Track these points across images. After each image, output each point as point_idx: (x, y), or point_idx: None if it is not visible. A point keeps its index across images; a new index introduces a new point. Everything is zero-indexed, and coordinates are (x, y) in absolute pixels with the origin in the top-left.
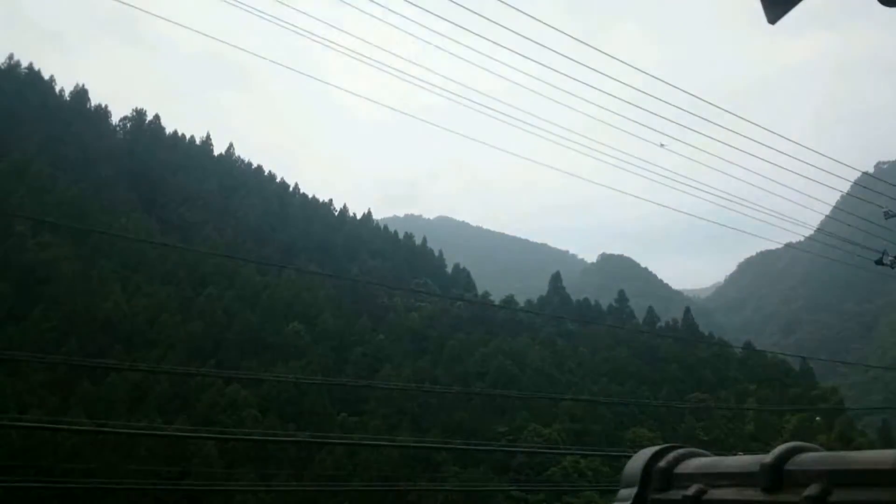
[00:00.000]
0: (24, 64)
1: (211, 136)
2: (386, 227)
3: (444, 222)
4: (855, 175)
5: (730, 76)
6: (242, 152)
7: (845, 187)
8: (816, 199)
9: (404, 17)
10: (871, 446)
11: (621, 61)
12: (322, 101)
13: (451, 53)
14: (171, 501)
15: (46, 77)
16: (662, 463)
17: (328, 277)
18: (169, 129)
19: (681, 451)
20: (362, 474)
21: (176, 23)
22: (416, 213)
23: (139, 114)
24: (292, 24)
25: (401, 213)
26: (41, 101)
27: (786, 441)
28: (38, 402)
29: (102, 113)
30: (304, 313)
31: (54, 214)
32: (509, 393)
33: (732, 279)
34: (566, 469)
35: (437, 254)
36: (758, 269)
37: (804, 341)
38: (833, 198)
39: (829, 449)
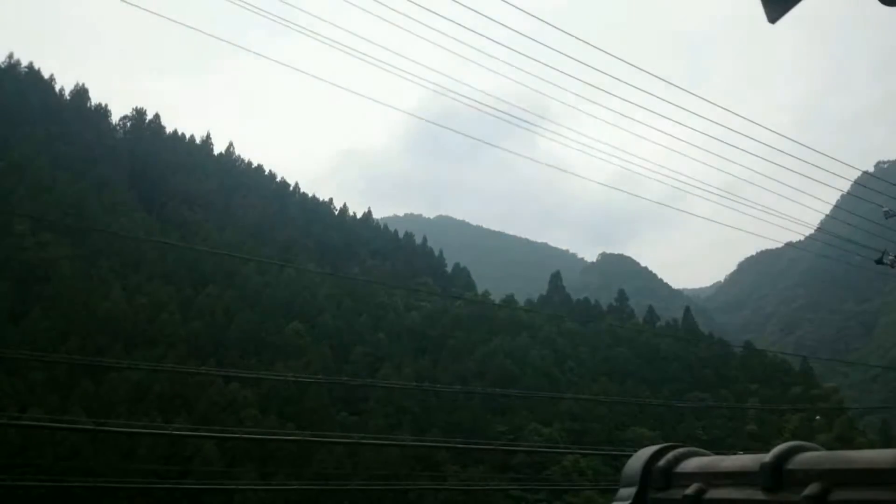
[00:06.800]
0: (24, 63)
1: (211, 136)
2: (386, 227)
3: (444, 222)
4: (855, 175)
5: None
6: (242, 151)
7: (845, 187)
8: (817, 198)
9: (393, 9)
10: (871, 446)
11: (629, 63)
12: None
13: (451, 52)
14: (171, 501)
15: (46, 76)
16: (662, 462)
17: (328, 276)
18: (169, 129)
19: (680, 450)
20: (362, 474)
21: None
22: (416, 212)
23: (139, 113)
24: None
25: (401, 213)
26: (41, 101)
27: (786, 440)
28: (38, 402)
29: (102, 112)
30: (303, 312)
31: (54, 214)
32: (509, 392)
33: (732, 279)
34: (566, 468)
35: (437, 253)
36: (758, 268)
37: (804, 341)
38: (833, 197)
39: (829, 449)
